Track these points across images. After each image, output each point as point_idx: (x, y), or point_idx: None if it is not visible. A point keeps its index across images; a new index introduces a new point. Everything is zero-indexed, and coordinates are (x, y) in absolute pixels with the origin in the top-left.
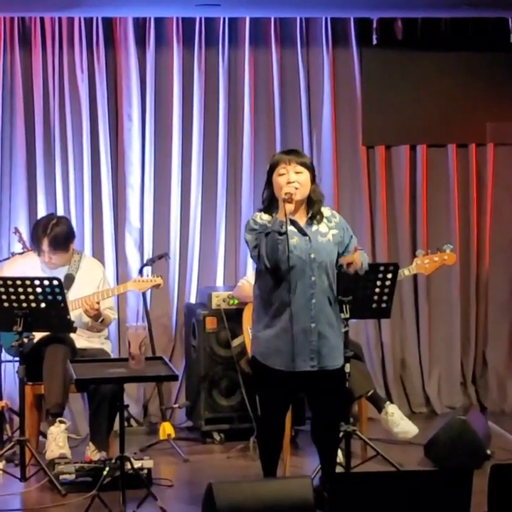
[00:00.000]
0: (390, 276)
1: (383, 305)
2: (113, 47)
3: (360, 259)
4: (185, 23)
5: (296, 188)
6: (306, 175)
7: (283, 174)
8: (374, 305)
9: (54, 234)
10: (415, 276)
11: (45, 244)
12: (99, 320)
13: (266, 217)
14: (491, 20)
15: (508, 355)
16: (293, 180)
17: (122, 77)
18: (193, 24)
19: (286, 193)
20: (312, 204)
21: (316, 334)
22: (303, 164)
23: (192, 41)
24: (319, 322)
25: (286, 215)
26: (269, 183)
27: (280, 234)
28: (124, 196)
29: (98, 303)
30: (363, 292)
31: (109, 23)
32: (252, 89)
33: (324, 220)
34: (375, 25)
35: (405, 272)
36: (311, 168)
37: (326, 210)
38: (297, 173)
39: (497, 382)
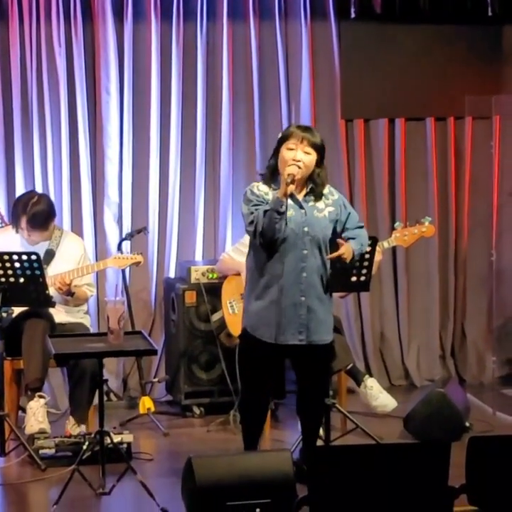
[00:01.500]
0: (368, 249)
1: (362, 278)
2: (91, 20)
3: (349, 252)
4: None
5: (299, 168)
6: (313, 156)
7: (292, 149)
8: (353, 278)
9: (33, 213)
10: (394, 250)
11: (23, 222)
12: (70, 294)
13: (263, 188)
14: None
15: (486, 328)
16: (299, 160)
17: (100, 50)
18: None
19: (288, 175)
20: (315, 184)
21: (305, 308)
22: (314, 145)
23: (170, 14)
24: (309, 296)
25: (285, 195)
26: (276, 153)
27: (278, 213)
28: (102, 170)
29: (71, 281)
30: (342, 266)
31: None
32: (231, 63)
33: (322, 197)
34: None
35: (384, 245)
36: (320, 151)
37: (324, 188)
38: (306, 153)
39: (476, 355)
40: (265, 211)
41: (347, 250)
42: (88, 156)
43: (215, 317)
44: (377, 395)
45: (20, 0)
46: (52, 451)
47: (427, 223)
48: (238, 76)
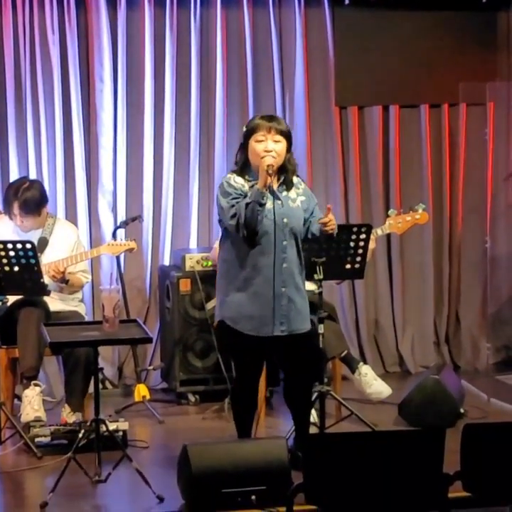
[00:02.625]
0: (363, 237)
1: (357, 266)
2: (84, 8)
3: (334, 221)
4: None
5: (274, 157)
6: (283, 144)
7: (261, 141)
8: (347, 266)
9: (24, 198)
10: (388, 237)
11: (15, 208)
12: (65, 282)
13: (239, 180)
14: None
15: (480, 314)
16: (271, 149)
17: (93, 38)
18: None
19: (268, 165)
20: (286, 172)
21: (286, 298)
22: (282, 133)
23: (163, 1)
24: (288, 286)
25: (266, 186)
26: (244, 147)
27: (260, 205)
28: (96, 158)
29: (65, 268)
30: (336, 253)
31: None
32: (224, 50)
33: (293, 187)
34: None
35: (378, 232)
36: (288, 137)
37: (294, 174)
38: (276, 141)
39: (470, 341)
40: (247, 204)
41: (333, 217)
42: (82, 144)
43: (210, 305)
44: (372, 382)
45: None
46: (48, 439)
47: (420, 210)
48: (232, 63)
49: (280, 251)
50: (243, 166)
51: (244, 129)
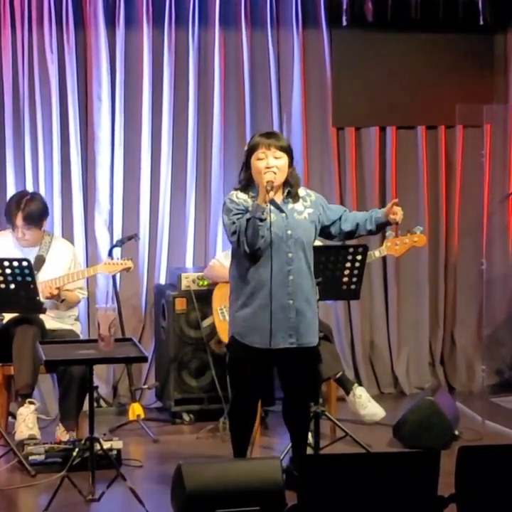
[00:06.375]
0: (359, 257)
1: (352, 287)
2: (83, 26)
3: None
4: (155, 2)
5: (275, 173)
6: (284, 159)
7: (262, 159)
8: (343, 287)
9: (28, 209)
10: (384, 258)
11: (19, 220)
12: (60, 300)
13: (242, 196)
14: (461, 1)
15: (476, 335)
16: (272, 166)
17: (92, 56)
18: (163, 3)
19: (268, 182)
20: (290, 186)
21: (294, 311)
22: (282, 149)
23: (162, 21)
24: (297, 298)
25: (265, 202)
26: (246, 165)
27: (261, 220)
28: (93, 177)
29: (58, 288)
30: (332, 274)
31: (78, 2)
32: (222, 70)
33: (300, 199)
34: (345, 6)
35: (376, 254)
36: (289, 152)
37: (300, 190)
38: (276, 158)
39: (465, 363)
40: (247, 220)
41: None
42: (79, 162)
43: (207, 322)
44: (366, 404)
45: (12, 6)
46: (42, 457)
47: (418, 233)
48: (230, 83)
49: (284, 263)
50: (247, 184)
51: (246, 148)
